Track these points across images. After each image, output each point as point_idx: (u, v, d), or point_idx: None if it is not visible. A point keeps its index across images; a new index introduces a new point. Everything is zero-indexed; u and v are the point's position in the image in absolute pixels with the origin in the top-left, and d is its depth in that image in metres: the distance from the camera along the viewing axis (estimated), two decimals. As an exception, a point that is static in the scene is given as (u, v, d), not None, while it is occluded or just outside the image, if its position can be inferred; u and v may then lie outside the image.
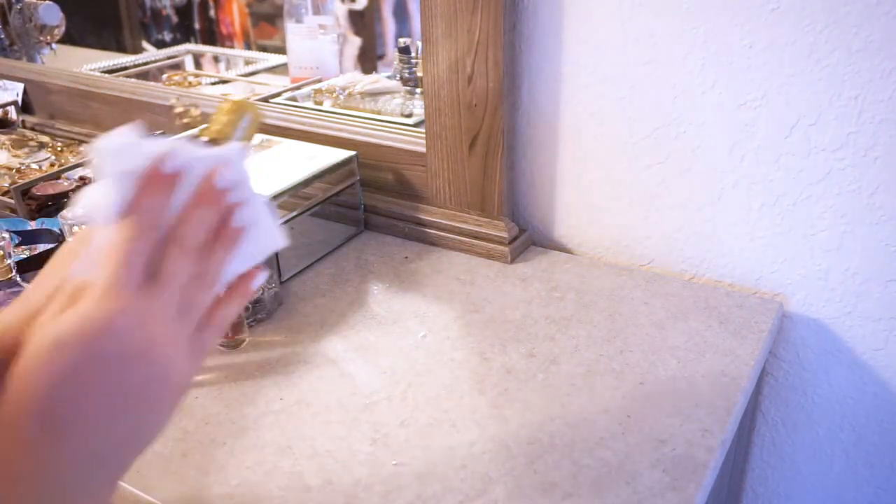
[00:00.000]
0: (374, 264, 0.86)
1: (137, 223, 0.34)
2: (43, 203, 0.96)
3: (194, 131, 0.48)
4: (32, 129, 1.27)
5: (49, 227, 0.85)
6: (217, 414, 0.63)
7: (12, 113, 1.27)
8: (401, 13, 1.68)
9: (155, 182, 0.35)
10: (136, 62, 1.56)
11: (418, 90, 1.12)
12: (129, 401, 0.32)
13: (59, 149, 1.17)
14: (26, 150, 1.17)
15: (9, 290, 0.69)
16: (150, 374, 0.33)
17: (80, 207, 0.36)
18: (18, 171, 1.08)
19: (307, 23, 1.27)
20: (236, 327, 0.70)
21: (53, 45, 1.51)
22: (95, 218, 0.35)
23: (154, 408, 0.34)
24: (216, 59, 1.71)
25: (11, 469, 0.31)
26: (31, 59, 1.50)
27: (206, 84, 1.37)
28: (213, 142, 0.46)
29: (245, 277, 0.40)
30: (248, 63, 1.59)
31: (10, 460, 0.31)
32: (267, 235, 0.40)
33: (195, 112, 0.50)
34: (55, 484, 0.31)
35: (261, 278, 0.40)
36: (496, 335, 0.72)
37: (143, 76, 1.51)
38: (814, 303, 0.77)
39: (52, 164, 1.11)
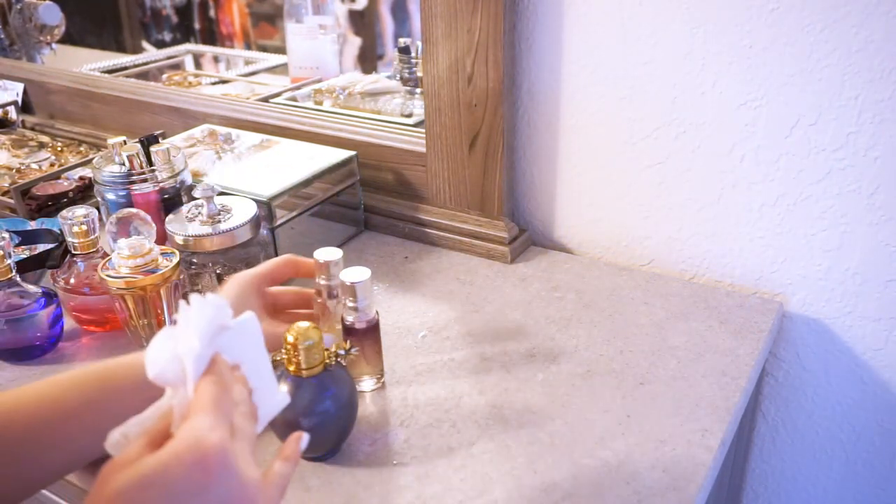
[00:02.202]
0: (374, 264, 0.86)
1: (224, 380, 0.39)
2: (43, 203, 0.96)
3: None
4: (32, 129, 1.27)
5: (49, 227, 0.85)
6: (217, 414, 0.63)
7: (12, 113, 1.27)
8: (400, 13, 1.68)
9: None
10: (136, 62, 1.56)
11: (418, 90, 1.12)
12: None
13: (59, 149, 1.17)
14: (26, 150, 1.17)
15: (9, 290, 0.69)
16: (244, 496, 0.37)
17: (159, 354, 0.39)
18: (18, 171, 1.08)
19: (307, 23, 1.27)
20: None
21: (53, 45, 1.51)
22: (179, 368, 0.39)
23: None
24: (216, 59, 1.71)
25: None
26: (31, 59, 1.50)
27: (206, 84, 1.37)
28: (297, 373, 0.54)
29: (294, 439, 0.43)
30: (248, 63, 1.59)
31: None
32: (272, 398, 0.44)
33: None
34: None
35: (306, 439, 0.44)
36: (496, 335, 0.72)
37: (143, 76, 1.51)
38: (814, 303, 0.77)
39: (52, 164, 1.11)
